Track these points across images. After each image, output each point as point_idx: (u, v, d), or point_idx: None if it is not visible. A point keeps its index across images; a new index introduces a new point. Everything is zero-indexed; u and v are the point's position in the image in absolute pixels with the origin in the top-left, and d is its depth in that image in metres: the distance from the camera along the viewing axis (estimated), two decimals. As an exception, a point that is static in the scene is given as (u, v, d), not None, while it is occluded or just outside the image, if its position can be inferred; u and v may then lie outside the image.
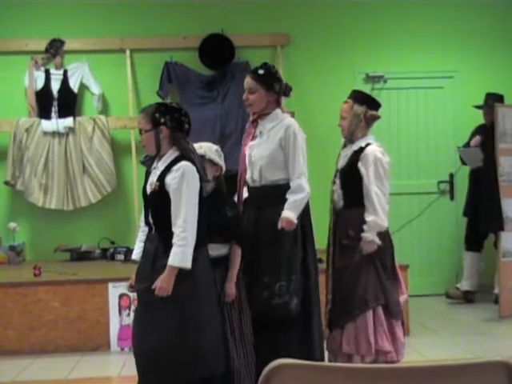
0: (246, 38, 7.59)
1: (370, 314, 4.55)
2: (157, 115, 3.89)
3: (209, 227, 3.93)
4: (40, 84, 7.39)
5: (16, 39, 7.47)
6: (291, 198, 4.32)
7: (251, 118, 4.58)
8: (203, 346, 3.79)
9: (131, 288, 4.09)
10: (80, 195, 7.32)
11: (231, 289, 4.10)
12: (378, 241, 4.55)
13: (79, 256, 7.24)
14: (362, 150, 4.67)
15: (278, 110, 4.54)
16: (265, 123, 4.49)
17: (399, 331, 4.69)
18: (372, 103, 4.83)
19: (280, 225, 4.28)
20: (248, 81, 4.49)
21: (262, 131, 4.49)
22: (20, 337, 6.00)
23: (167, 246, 3.76)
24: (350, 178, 4.66)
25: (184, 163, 3.81)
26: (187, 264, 3.71)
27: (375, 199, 4.54)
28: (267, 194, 4.42)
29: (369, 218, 4.53)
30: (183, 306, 3.76)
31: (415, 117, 8.00)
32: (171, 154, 3.89)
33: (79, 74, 7.46)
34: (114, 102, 7.67)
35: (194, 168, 3.83)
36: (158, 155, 3.93)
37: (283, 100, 4.67)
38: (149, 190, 3.92)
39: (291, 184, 4.36)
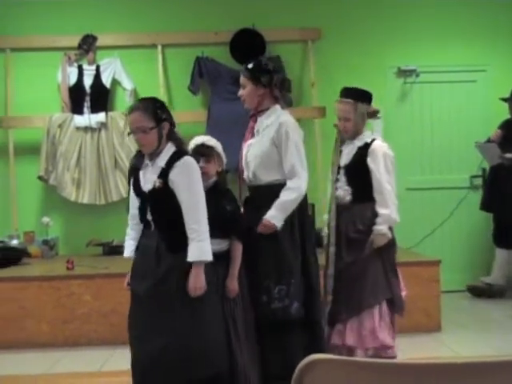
0: (276, 32, 7.58)
1: (376, 308, 4.57)
2: (159, 111, 3.80)
3: (208, 222, 3.87)
4: (73, 80, 7.45)
5: (49, 36, 7.53)
6: (282, 197, 4.23)
7: (250, 114, 4.48)
8: (208, 344, 3.73)
9: (128, 285, 3.98)
10: (112, 189, 7.37)
11: (233, 284, 4.03)
12: (389, 234, 4.59)
13: (111, 250, 7.28)
14: (367, 145, 4.66)
15: (277, 106, 4.40)
16: (262, 120, 4.39)
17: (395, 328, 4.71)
18: (371, 98, 4.81)
19: (259, 228, 4.20)
20: (241, 77, 4.41)
21: (259, 129, 4.39)
22: (53, 330, 6.06)
23: (171, 244, 3.71)
24: (357, 174, 4.66)
25: (186, 158, 3.77)
26: (208, 256, 3.68)
27: (387, 194, 4.57)
28: (263, 194, 4.32)
29: (383, 210, 4.55)
30: (188, 304, 3.70)
31: (448, 111, 7.94)
32: (168, 150, 3.82)
33: (111, 69, 7.51)
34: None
35: (195, 161, 3.80)
36: (150, 152, 3.84)
37: (279, 94, 4.45)
38: (147, 187, 3.81)
39: (287, 183, 4.25)
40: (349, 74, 7.65)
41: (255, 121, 4.43)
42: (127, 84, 7.53)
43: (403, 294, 4.77)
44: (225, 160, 4.20)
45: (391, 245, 4.66)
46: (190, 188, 3.71)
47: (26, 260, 6.93)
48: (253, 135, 4.43)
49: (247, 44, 7.39)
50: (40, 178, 7.35)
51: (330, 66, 7.70)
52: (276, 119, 4.32)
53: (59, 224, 7.60)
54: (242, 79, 4.37)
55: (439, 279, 6.22)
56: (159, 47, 7.57)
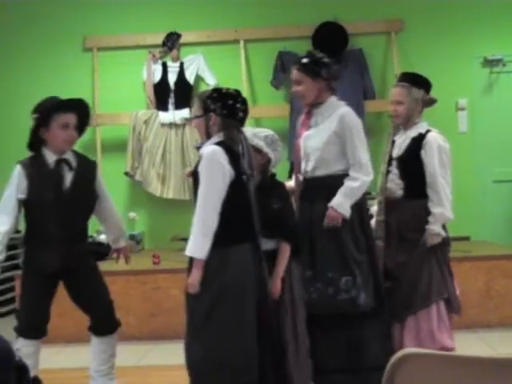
0: (359, 25, 7.52)
1: (433, 309, 4.36)
2: (208, 101, 3.73)
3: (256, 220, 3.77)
4: (157, 77, 7.56)
5: (134, 34, 7.66)
6: (347, 184, 4.17)
7: (305, 110, 4.44)
8: (226, 355, 3.53)
9: None
10: (196, 185, 7.44)
11: (276, 285, 3.84)
12: (443, 233, 4.37)
13: (196, 245, 7.34)
14: (421, 136, 4.45)
15: (333, 98, 4.35)
16: (321, 112, 4.32)
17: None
18: (429, 86, 4.59)
19: (326, 221, 4.14)
20: (294, 72, 4.34)
21: (318, 121, 4.34)
22: (140, 323, 6.18)
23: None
24: (411, 167, 4.45)
25: (210, 147, 3.63)
26: (196, 254, 3.56)
27: (441, 189, 4.34)
28: (321, 185, 4.27)
29: (436, 209, 4.33)
30: (210, 310, 3.56)
31: (536, 100, 7.74)
32: (214, 140, 3.72)
33: (195, 65, 7.60)
34: (229, 92, 7.75)
35: (222, 152, 3.59)
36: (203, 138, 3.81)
37: None
38: None
39: (351, 173, 4.19)
40: (433, 66, 7.52)
41: (309, 117, 4.38)
42: (210, 80, 7.60)
43: (457, 292, 4.55)
44: (269, 152, 3.96)
45: (445, 243, 4.45)
46: (200, 179, 3.61)
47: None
48: (308, 128, 4.39)
49: (330, 37, 7.35)
50: (126, 174, 7.49)
51: (414, 58, 7.58)
52: (335, 111, 4.28)
53: (145, 219, 7.73)
54: (298, 75, 4.30)
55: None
56: (242, 42, 7.61)
